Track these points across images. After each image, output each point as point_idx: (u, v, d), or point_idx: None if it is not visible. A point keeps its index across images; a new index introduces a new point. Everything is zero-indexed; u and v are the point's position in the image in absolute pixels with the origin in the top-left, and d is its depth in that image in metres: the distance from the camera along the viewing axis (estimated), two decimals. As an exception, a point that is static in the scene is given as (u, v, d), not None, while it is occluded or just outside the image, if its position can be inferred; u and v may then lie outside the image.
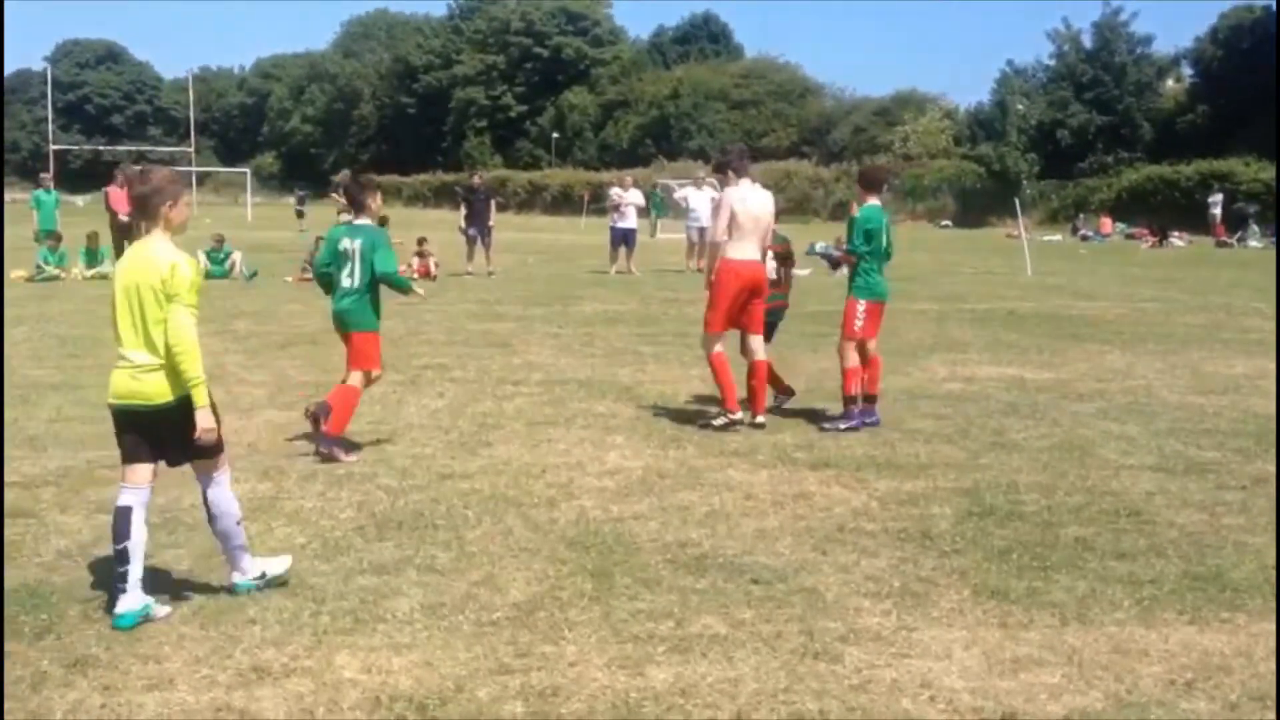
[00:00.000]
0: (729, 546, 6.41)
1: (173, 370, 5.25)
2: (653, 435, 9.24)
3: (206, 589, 5.65)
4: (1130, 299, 21.44)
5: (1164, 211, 49.72)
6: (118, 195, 24.64)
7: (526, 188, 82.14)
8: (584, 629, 5.18)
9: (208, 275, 23.02)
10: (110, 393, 5.42)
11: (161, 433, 5.37)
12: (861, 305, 9.66)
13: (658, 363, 12.95)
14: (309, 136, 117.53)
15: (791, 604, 5.52)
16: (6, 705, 4.39)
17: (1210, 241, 44.23)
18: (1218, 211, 46.33)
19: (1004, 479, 7.89)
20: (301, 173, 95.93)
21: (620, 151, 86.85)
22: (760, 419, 9.56)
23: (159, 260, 5.27)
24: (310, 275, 23.30)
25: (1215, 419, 10.00)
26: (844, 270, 9.98)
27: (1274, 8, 55.49)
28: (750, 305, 9.56)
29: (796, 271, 10.79)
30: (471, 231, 25.28)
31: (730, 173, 9.62)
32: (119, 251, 24.08)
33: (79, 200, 67.59)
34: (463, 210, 25.83)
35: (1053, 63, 65.53)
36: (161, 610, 5.29)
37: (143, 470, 5.45)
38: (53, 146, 75.87)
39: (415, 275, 23.94)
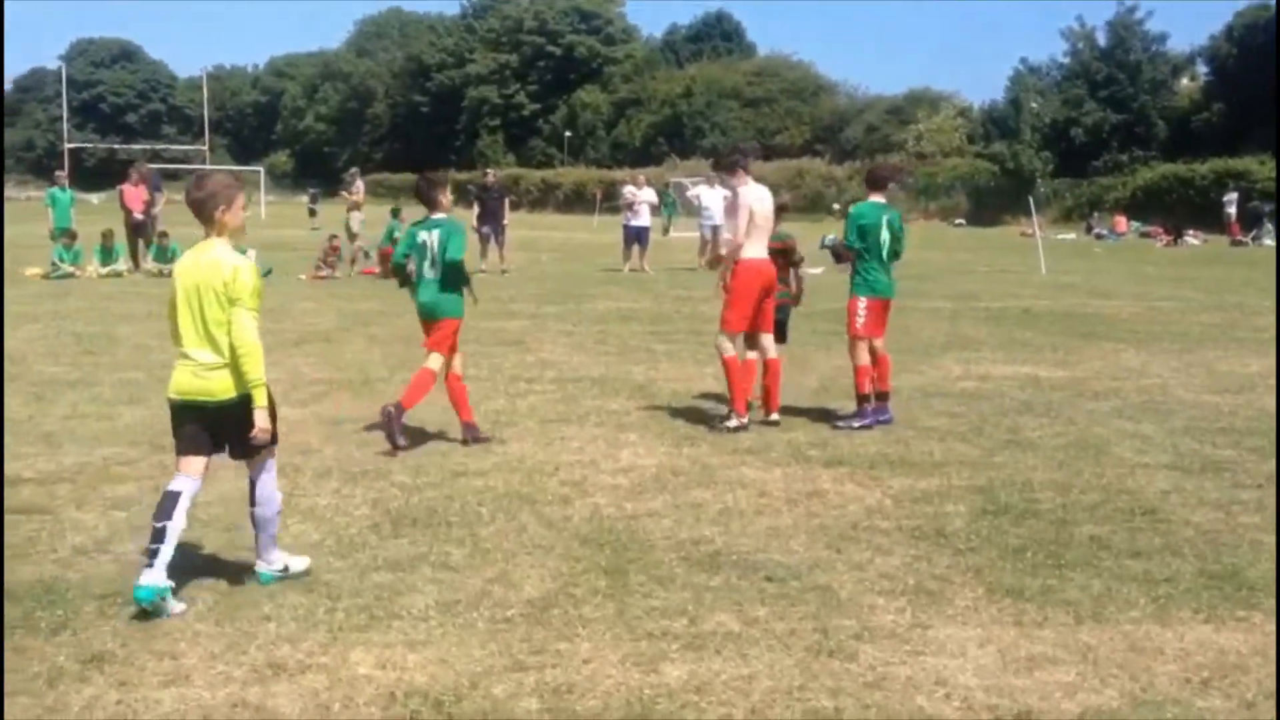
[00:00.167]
0: (743, 544, 6.41)
1: (235, 369, 5.44)
2: (666, 433, 9.24)
3: (222, 586, 5.66)
4: (1145, 298, 21.37)
5: (1179, 210, 49.55)
6: (132, 193, 24.77)
7: (539, 186, 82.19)
8: (598, 626, 5.19)
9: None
10: (172, 388, 5.60)
11: (225, 427, 5.55)
12: (862, 302, 9.63)
13: (671, 361, 12.95)
14: (322, 135, 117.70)
15: (806, 601, 5.52)
16: (23, 701, 4.40)
17: (1225, 240, 44.04)
18: (1233, 210, 46.12)
19: (1019, 477, 7.88)
20: (315, 171, 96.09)
21: (633, 150, 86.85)
22: (774, 416, 9.55)
23: (220, 264, 5.45)
24: (324, 274, 23.45)
25: (1230, 417, 9.96)
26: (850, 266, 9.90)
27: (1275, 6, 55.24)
28: (764, 304, 9.55)
29: (810, 270, 10.75)
30: (485, 230, 25.31)
31: (742, 171, 9.59)
32: (133, 250, 24.23)
33: (94, 198, 67.77)
34: (476, 209, 25.86)
35: (1067, 60, 65.38)
36: (177, 606, 5.31)
37: (197, 463, 5.61)
38: (67, 145, 76.17)
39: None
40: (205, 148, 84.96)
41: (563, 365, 12.52)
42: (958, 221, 61.10)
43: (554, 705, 4.41)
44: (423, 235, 8.88)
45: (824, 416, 9.86)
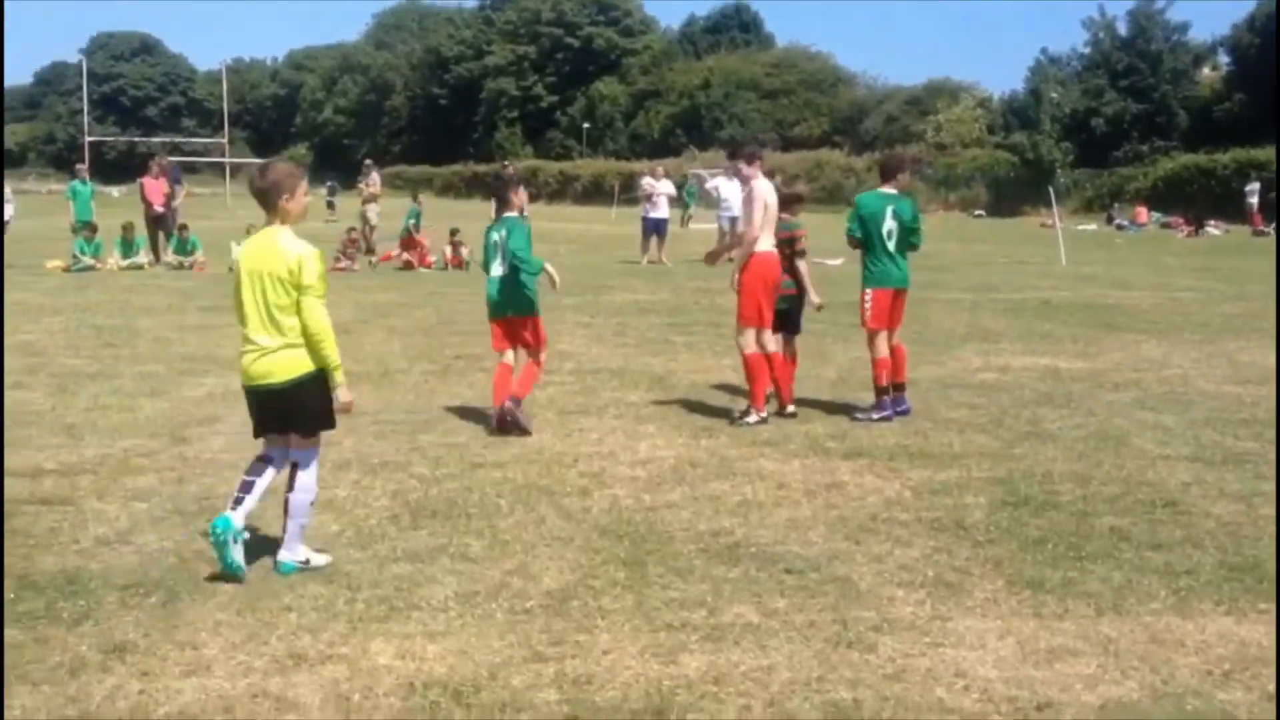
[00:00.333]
0: (761, 536, 6.41)
1: (292, 352, 5.63)
2: (684, 425, 9.24)
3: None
4: (1166, 288, 21.27)
5: (1200, 200, 49.24)
6: (152, 186, 24.87)
7: (558, 178, 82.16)
8: (617, 617, 5.19)
9: (241, 265, 23.16)
10: (241, 375, 5.83)
11: (283, 408, 5.75)
12: (869, 294, 9.56)
13: (689, 352, 12.94)
14: (341, 128, 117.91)
15: (825, 593, 5.52)
16: (46, 690, 4.43)
17: (1247, 231, 43.77)
18: (1255, 200, 45.82)
19: (1039, 469, 7.85)
20: (334, 164, 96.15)
21: (651, 142, 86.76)
22: (790, 409, 9.54)
23: (285, 252, 5.62)
24: (343, 265, 23.51)
25: (1252, 409, 9.91)
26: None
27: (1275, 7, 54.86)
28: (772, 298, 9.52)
29: (829, 261, 10.70)
30: (503, 222, 25.31)
31: (758, 163, 9.56)
32: (153, 242, 24.33)
33: (114, 191, 67.96)
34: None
35: (1088, 51, 64.98)
36: (238, 554, 5.59)
37: (278, 440, 5.91)
38: (88, 138, 76.40)
39: (448, 265, 24.10)
40: (225, 140, 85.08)
41: (581, 357, 12.53)
42: (977, 213, 60.83)
43: (573, 696, 4.42)
44: (495, 235, 9.24)
45: (843, 408, 9.84)
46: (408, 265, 24.09)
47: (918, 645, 4.91)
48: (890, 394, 9.56)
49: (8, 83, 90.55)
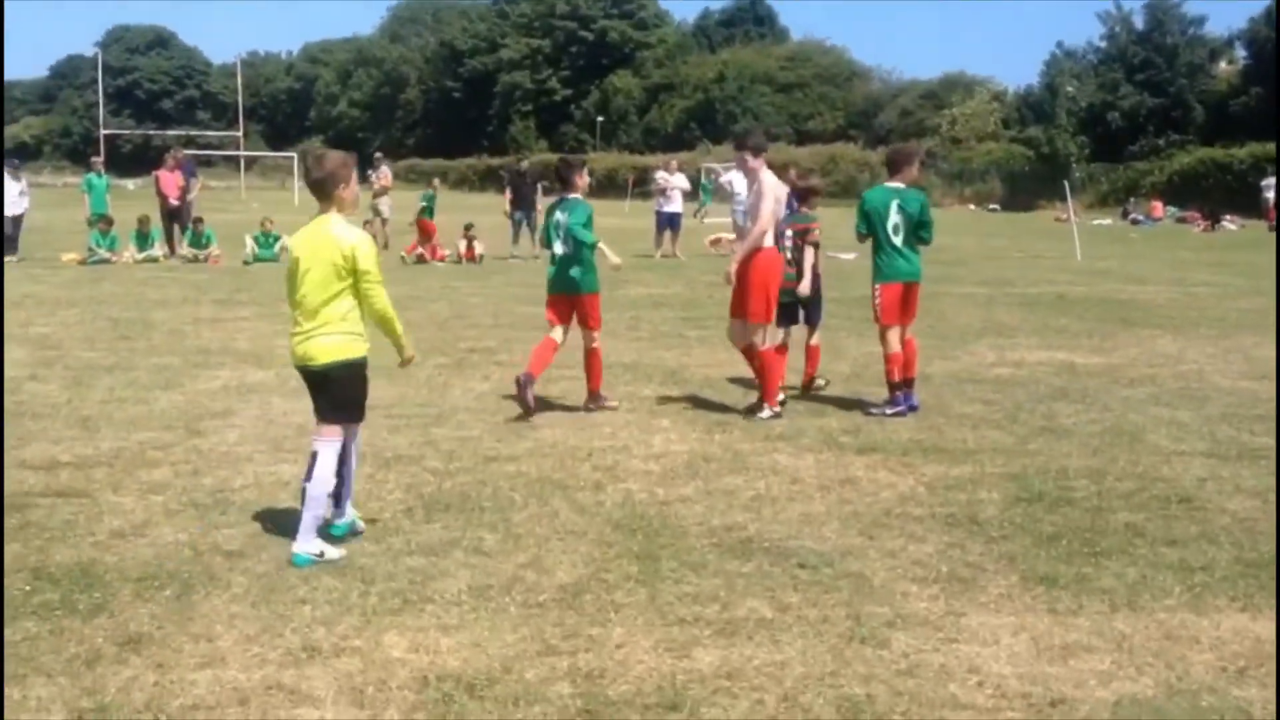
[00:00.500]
0: (775, 530, 6.41)
1: (329, 339, 5.88)
2: (698, 419, 9.24)
3: (257, 569, 5.70)
4: (1182, 283, 21.18)
5: (1216, 195, 49.04)
6: (167, 179, 24.93)
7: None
8: (630, 611, 5.20)
9: (256, 259, 23.24)
10: (291, 356, 6.12)
11: (318, 389, 6.03)
12: (878, 289, 9.52)
13: (703, 346, 12.94)
14: (355, 121, 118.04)
15: (838, 588, 5.51)
16: (62, 682, 4.45)
17: (1263, 225, 43.49)
18: (1271, 195, 45.48)
19: (1053, 464, 7.83)
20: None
21: (665, 135, 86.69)
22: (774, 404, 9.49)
23: (339, 240, 5.83)
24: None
25: (1268, 404, 9.86)
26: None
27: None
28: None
29: (843, 255, 10.69)
30: (517, 215, 25.38)
31: (762, 157, 9.51)
32: (168, 235, 24.38)
33: (130, 184, 68.28)
34: (508, 194, 25.91)
35: (1103, 44, 64.81)
36: (361, 524, 6.22)
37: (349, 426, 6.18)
38: (103, 131, 76.61)
39: (461, 259, 24.12)
40: (240, 134, 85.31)
41: (595, 351, 12.51)
42: (992, 206, 60.71)
43: (586, 690, 4.43)
44: (558, 215, 9.49)
45: (856, 403, 9.83)
46: (420, 259, 24.11)
47: (931, 641, 4.90)
48: (903, 389, 9.53)
49: (24, 76, 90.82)
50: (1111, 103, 60.52)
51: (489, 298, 17.47)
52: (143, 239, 23.69)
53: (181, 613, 5.13)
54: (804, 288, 10.15)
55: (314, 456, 5.95)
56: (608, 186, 74.18)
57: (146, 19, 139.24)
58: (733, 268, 9.37)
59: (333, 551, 5.86)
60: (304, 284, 5.87)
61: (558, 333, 9.54)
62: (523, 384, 9.19)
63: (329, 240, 5.83)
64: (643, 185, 53.71)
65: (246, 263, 23.00)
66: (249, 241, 23.89)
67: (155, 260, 23.36)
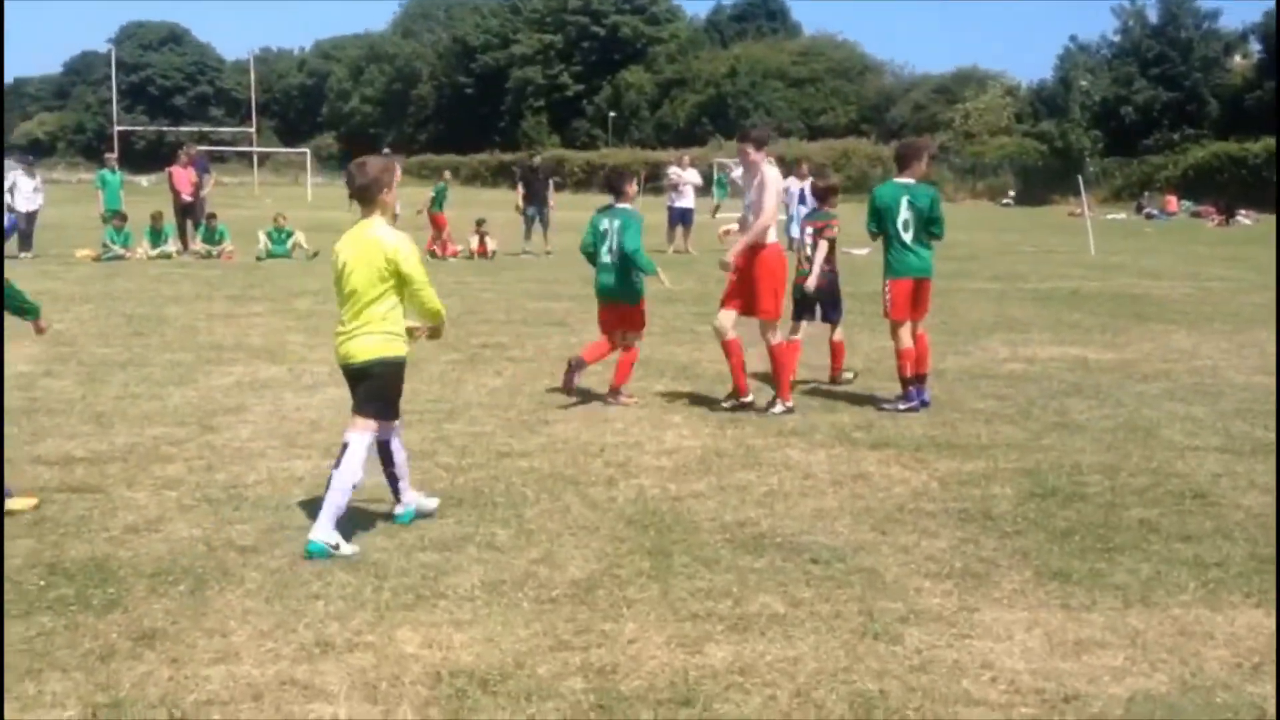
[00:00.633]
0: (787, 526, 6.40)
1: (370, 338, 6.07)
2: (710, 414, 9.24)
3: (271, 565, 5.71)
4: (1196, 278, 21.11)
5: (1231, 189, 48.92)
6: (181, 175, 24.96)
7: (583, 167, 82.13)
8: (643, 607, 5.20)
9: (269, 255, 23.29)
10: (335, 354, 6.35)
11: (357, 386, 6.20)
12: (888, 285, 9.50)
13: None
14: (368, 117, 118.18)
15: (851, 584, 5.51)
16: (76, 677, 4.46)
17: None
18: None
19: (1067, 460, 7.81)
20: (360, 153, 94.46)
21: (677, 131, 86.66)
22: (747, 398, 9.45)
23: (383, 243, 6.01)
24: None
25: (1283, 400, 9.83)
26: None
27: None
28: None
29: (856, 250, 10.71)
30: (529, 211, 25.38)
31: (765, 150, 9.49)
32: (182, 231, 24.42)
33: (143, 180, 68.41)
34: (520, 190, 25.92)
35: (1117, 38, 64.67)
36: (430, 502, 6.51)
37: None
38: (117, 127, 76.68)
39: (473, 254, 24.13)
40: (252, 130, 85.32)
41: (607, 346, 12.50)
42: (1005, 201, 60.59)
43: (598, 685, 4.43)
44: (604, 223, 9.65)
45: (869, 399, 9.82)
46: (432, 255, 24.12)
47: (944, 636, 4.90)
48: (916, 384, 9.52)
49: (38, 72, 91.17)
50: (1126, 97, 60.37)
51: (501, 293, 17.47)
52: (156, 235, 23.74)
53: (195, 608, 5.14)
54: (811, 283, 10.19)
55: (345, 447, 6.05)
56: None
57: (160, 15, 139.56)
58: (730, 257, 9.31)
59: (347, 548, 5.86)
60: (348, 286, 6.06)
61: (613, 338, 9.81)
62: (573, 366, 9.52)
63: (373, 243, 6.00)
64: (654, 181, 53.66)
65: (259, 258, 23.05)
66: (262, 237, 23.93)
67: (169, 256, 23.41)
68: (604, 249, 9.61)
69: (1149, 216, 47.97)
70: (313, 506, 6.53)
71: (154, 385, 10.18)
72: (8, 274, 6.77)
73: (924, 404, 9.45)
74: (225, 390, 10.02)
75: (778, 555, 5.91)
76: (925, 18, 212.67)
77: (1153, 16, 62.95)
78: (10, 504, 6.37)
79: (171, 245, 23.90)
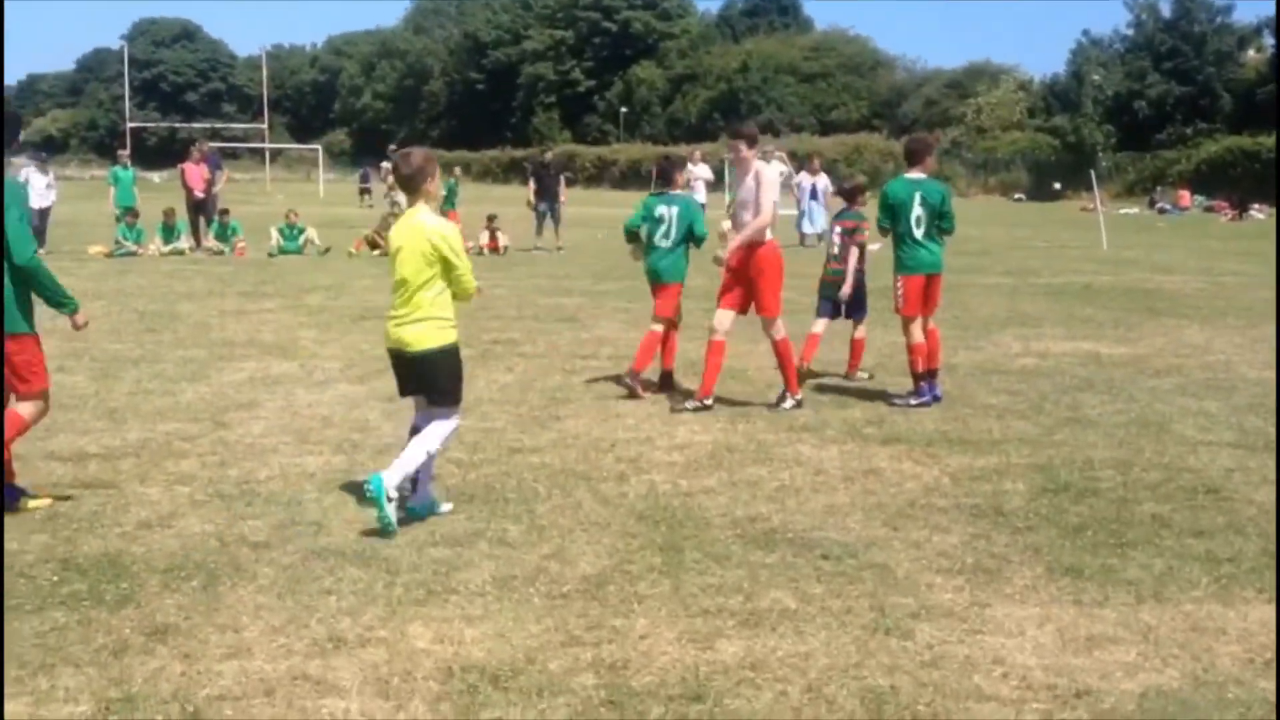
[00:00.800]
0: (798, 521, 6.40)
1: (423, 325, 6.27)
2: (721, 410, 9.23)
3: (283, 560, 5.72)
4: (1209, 273, 21.04)
5: (1244, 184, 48.73)
6: (193, 172, 25.01)
7: (595, 163, 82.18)
8: (654, 602, 5.20)
9: (281, 251, 23.32)
10: (385, 338, 6.53)
11: (417, 375, 6.41)
12: (900, 281, 9.50)
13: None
14: (380, 113, 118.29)
15: (862, 580, 5.50)
16: (90, 672, 4.48)
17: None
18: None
19: (1079, 455, 7.79)
20: (372, 149, 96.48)
21: (689, 126, 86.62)
22: (707, 401, 9.36)
23: (428, 229, 6.27)
24: (383, 248, 23.55)
25: (1297, 395, 9.79)
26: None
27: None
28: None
29: (870, 246, 10.70)
30: (541, 207, 25.41)
31: (756, 148, 9.48)
32: (194, 227, 24.47)
33: (155, 177, 68.54)
34: (532, 185, 25.94)
35: (1130, 32, 64.47)
36: (444, 506, 6.52)
37: (419, 400, 6.58)
38: (129, 124, 77.06)
39: (484, 250, 24.15)
40: (264, 126, 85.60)
41: (618, 342, 12.52)
42: (1017, 196, 60.43)
43: (610, 681, 4.43)
44: (661, 209, 9.94)
45: (880, 394, 9.80)
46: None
47: (956, 632, 4.89)
48: (927, 379, 9.51)
49: (51, 69, 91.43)
50: (1138, 91, 60.17)
51: (513, 289, 17.48)
52: (169, 232, 23.80)
53: (208, 603, 5.16)
54: (846, 290, 10.30)
55: (413, 429, 6.47)
56: (631, 178, 74.22)
57: (172, 12, 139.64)
58: (725, 254, 9.25)
59: (391, 509, 6.09)
60: (400, 270, 6.29)
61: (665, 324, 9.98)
62: (635, 375, 9.65)
63: (420, 229, 6.26)
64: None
65: (271, 255, 23.09)
66: (274, 234, 23.97)
67: (181, 253, 23.46)
68: (658, 233, 9.86)
69: (1162, 211, 47.84)
70: (325, 502, 6.56)
71: (166, 381, 10.21)
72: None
73: (936, 399, 9.44)
74: (237, 386, 10.04)
75: (789, 551, 5.90)
76: (937, 12, 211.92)
77: (1166, 10, 62.77)
78: (31, 504, 6.43)
79: (184, 242, 23.95)
